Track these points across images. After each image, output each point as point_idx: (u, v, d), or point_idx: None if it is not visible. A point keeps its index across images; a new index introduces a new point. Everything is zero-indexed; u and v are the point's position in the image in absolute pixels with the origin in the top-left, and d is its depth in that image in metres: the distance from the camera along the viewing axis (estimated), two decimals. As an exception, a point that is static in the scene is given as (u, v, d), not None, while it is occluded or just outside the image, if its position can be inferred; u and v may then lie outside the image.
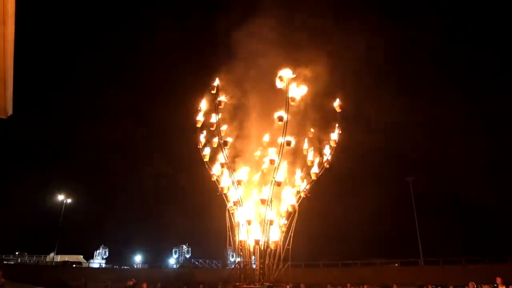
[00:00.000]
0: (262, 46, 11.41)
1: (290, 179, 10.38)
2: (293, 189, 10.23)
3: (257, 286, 9.05)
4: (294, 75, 9.82)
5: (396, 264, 25.16)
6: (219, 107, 10.26)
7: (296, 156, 10.48)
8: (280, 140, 9.53)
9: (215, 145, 10.43)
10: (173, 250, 43.07)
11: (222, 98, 10.35)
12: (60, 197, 41.54)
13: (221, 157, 10.14)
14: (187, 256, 42.62)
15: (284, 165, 10.05)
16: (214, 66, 11.46)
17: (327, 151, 10.49)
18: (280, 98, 9.90)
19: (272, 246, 9.51)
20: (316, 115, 10.85)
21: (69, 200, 41.88)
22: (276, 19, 11.88)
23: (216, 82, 10.44)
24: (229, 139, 10.32)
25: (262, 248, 9.39)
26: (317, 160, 10.40)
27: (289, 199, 9.98)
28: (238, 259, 10.50)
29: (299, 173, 10.37)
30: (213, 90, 10.40)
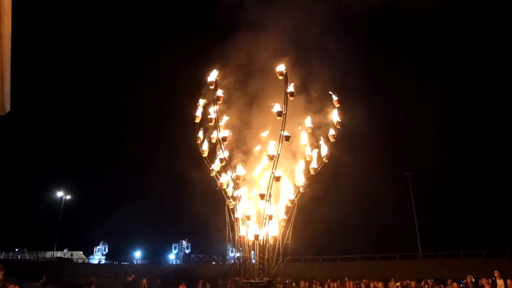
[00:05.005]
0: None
1: (289, 174, 10.38)
2: (292, 184, 10.23)
3: (256, 281, 9.09)
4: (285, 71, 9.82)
5: (395, 258, 25.25)
6: (218, 102, 10.25)
7: (295, 150, 10.50)
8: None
9: (213, 141, 10.42)
10: (173, 246, 43.12)
11: (220, 93, 10.33)
12: (60, 194, 41.59)
13: (220, 153, 10.15)
14: (187, 251, 42.71)
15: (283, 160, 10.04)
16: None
17: (325, 146, 10.49)
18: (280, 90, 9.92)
19: (271, 241, 9.54)
20: (314, 109, 10.87)
21: (68, 197, 41.94)
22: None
23: (214, 77, 10.39)
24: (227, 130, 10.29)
25: (261, 243, 9.42)
26: (315, 154, 10.40)
27: (288, 194, 10.00)
28: (238, 254, 10.54)
29: (298, 168, 10.37)
30: (212, 85, 10.37)
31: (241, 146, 10.77)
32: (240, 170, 9.97)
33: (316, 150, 10.40)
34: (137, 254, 44.88)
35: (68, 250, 42.49)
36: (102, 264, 39.54)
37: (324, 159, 10.31)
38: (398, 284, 17.26)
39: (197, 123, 10.75)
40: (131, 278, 19.64)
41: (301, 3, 12.88)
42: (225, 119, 10.44)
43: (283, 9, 12.39)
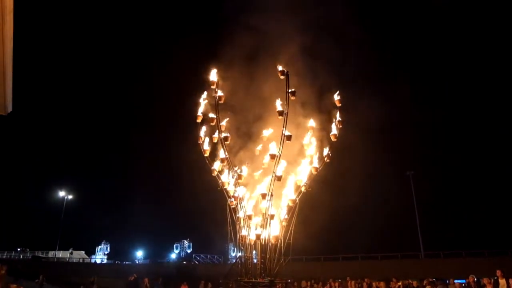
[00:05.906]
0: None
1: (291, 173, 10.36)
2: (293, 184, 10.21)
3: (258, 281, 9.08)
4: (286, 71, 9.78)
5: (397, 258, 25.24)
6: (219, 102, 10.23)
7: (297, 150, 10.47)
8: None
9: (215, 141, 10.40)
10: (175, 246, 43.24)
11: (221, 93, 10.32)
12: (61, 194, 41.69)
13: (222, 152, 10.14)
14: (189, 251, 42.81)
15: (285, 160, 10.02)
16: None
17: (327, 145, 10.46)
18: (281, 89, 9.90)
19: (273, 241, 9.53)
20: (316, 108, 10.86)
21: (70, 197, 42.03)
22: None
23: (215, 76, 10.38)
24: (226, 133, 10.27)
25: (263, 242, 9.41)
26: (317, 154, 10.37)
27: (290, 193, 9.98)
28: (239, 254, 10.53)
29: (299, 167, 10.35)
30: (213, 85, 10.35)
31: (242, 146, 10.77)
32: (239, 169, 9.96)
33: (318, 150, 10.38)
34: (139, 253, 45.00)
35: (73, 250, 42.77)
36: (104, 263, 39.63)
37: (325, 159, 10.29)
38: (400, 283, 17.23)
39: (198, 122, 10.72)
40: (132, 278, 19.65)
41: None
42: (226, 118, 10.43)
43: (287, 4, 12.37)
